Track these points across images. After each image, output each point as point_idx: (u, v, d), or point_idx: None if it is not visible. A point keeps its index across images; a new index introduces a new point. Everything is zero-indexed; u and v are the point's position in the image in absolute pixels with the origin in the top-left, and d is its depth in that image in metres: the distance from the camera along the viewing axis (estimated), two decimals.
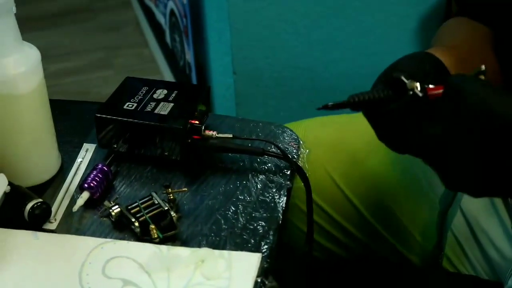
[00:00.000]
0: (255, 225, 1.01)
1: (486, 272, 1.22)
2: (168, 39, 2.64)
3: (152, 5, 2.84)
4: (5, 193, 0.97)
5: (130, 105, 1.11)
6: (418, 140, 0.88)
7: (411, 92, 0.89)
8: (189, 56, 2.28)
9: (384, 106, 0.92)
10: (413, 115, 0.89)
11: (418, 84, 0.89)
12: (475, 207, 1.24)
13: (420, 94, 0.88)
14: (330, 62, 2.13)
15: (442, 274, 1.26)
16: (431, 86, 0.88)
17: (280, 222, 1.02)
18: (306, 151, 1.15)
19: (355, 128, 1.32)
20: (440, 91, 0.86)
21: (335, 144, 1.30)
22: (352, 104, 0.93)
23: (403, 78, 0.90)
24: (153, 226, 0.96)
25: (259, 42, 2.08)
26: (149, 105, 1.11)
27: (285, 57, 2.12)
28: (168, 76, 2.79)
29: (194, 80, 2.29)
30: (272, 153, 1.10)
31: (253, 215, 1.02)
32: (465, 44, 1.15)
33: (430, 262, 1.27)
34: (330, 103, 0.92)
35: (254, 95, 2.10)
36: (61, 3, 3.23)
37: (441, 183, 0.97)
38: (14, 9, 0.99)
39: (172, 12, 2.46)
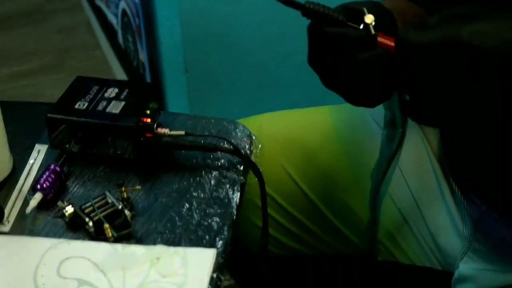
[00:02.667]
0: (210, 221, 1.01)
1: (440, 261, 1.26)
2: (120, 39, 2.65)
3: (103, 6, 2.84)
4: None
5: (81, 105, 1.11)
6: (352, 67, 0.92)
7: (362, 25, 0.91)
8: (143, 55, 2.29)
9: (335, 27, 0.92)
10: (351, 44, 0.92)
11: (373, 25, 0.91)
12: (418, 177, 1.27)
13: (373, 32, 0.90)
14: (282, 57, 2.16)
15: (399, 267, 1.29)
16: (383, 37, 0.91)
17: (234, 217, 1.03)
18: (259, 146, 1.16)
19: (307, 123, 1.33)
20: (392, 43, 0.89)
21: (288, 139, 1.30)
22: (306, 9, 0.93)
23: (364, 9, 0.91)
24: (107, 225, 0.96)
25: (211, 38, 2.09)
26: (100, 104, 1.11)
27: (237, 53, 2.14)
28: (122, 77, 2.81)
29: (148, 79, 2.31)
30: (224, 149, 1.10)
31: (207, 211, 1.03)
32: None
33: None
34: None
35: (207, 92, 2.11)
36: (11, 5, 3.19)
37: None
38: None
39: (124, 12, 2.47)
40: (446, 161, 1.24)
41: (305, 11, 0.92)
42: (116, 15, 2.63)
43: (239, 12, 2.11)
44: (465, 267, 1.18)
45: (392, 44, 0.88)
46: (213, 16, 2.10)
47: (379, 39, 0.89)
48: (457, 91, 0.88)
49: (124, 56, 2.64)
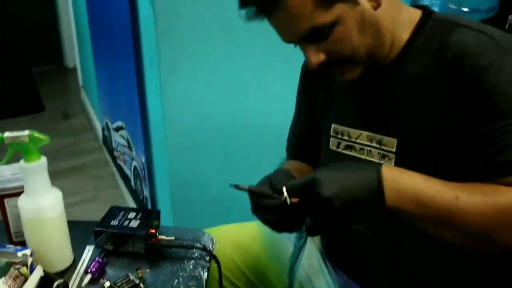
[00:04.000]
0: None
1: None
2: (132, 184, 2.65)
3: (122, 164, 2.84)
4: (41, 277, 0.98)
5: (114, 222, 1.14)
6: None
7: (284, 196, 0.90)
8: (147, 193, 2.30)
9: (265, 198, 0.93)
10: (281, 208, 0.91)
11: (287, 196, 0.90)
12: (310, 265, 1.24)
13: (289, 201, 0.90)
14: None
15: None
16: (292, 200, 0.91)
17: (205, 284, 1.05)
18: (217, 245, 1.18)
19: (244, 231, 1.31)
20: (296, 200, 0.90)
21: (233, 241, 1.29)
22: (249, 191, 0.95)
23: (284, 190, 0.90)
24: None
25: (195, 182, 2.05)
26: (125, 222, 1.14)
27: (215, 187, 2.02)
28: (133, 206, 2.77)
29: (149, 207, 2.28)
30: (198, 247, 1.13)
31: (188, 284, 1.05)
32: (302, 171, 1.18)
33: None
34: (233, 186, 0.96)
35: (187, 216, 2.05)
36: (64, 164, 3.20)
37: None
38: (46, 167, 1.03)
39: (135, 168, 2.47)
40: (324, 252, 1.25)
41: (251, 192, 0.95)
42: (130, 170, 2.64)
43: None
44: None
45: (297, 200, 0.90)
46: (197, 160, 2.04)
47: (292, 200, 0.90)
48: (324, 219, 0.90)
49: (134, 194, 2.64)
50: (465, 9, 1.78)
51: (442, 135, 0.94)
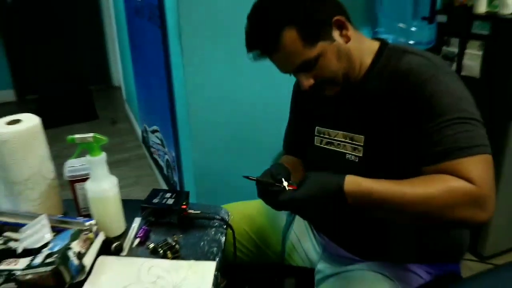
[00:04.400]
0: (212, 249, 1.04)
1: (310, 264, 1.24)
2: (165, 171, 2.63)
3: (157, 158, 2.83)
4: (103, 240, 1.00)
5: (155, 200, 1.14)
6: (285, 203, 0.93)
7: (284, 185, 0.94)
8: (176, 179, 2.29)
9: (270, 187, 0.95)
10: (281, 193, 0.93)
11: (286, 183, 0.94)
12: (299, 231, 1.26)
13: (287, 188, 0.93)
14: None
15: (292, 267, 1.28)
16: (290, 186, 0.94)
17: (223, 247, 1.05)
18: (231, 217, 1.18)
19: (252, 206, 1.33)
20: (295, 187, 0.92)
21: (243, 213, 1.30)
22: (257, 181, 0.97)
23: (283, 179, 0.94)
24: (168, 252, 1.00)
25: (213, 169, 1.99)
26: (164, 199, 1.13)
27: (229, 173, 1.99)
28: (167, 188, 2.75)
29: (178, 189, 2.28)
30: (217, 219, 1.14)
31: (211, 245, 1.05)
32: (294, 164, 1.20)
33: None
34: (245, 177, 0.98)
35: (206, 195, 2.01)
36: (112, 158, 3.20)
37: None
38: (105, 160, 1.05)
39: (167, 160, 2.46)
40: (310, 223, 1.27)
41: (257, 182, 0.97)
42: (163, 162, 2.63)
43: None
44: (320, 265, 1.19)
45: (295, 187, 0.92)
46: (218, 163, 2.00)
47: (288, 187, 0.93)
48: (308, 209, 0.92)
49: (167, 179, 2.63)
50: (411, 42, 1.78)
51: (397, 131, 0.96)
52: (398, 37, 1.68)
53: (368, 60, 1.03)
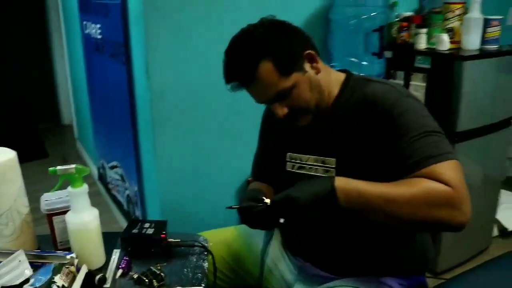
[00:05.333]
0: (196, 275, 1.03)
1: (286, 286, 1.23)
2: (125, 207, 2.56)
3: (116, 193, 2.76)
4: (86, 273, 0.97)
5: (135, 230, 1.12)
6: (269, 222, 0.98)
7: (266, 201, 0.97)
8: (138, 213, 2.24)
9: (252, 209, 0.98)
10: (264, 212, 0.97)
11: (268, 200, 0.97)
12: (275, 254, 1.25)
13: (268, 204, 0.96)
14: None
15: None
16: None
17: (206, 273, 1.06)
18: (210, 244, 1.18)
19: (227, 233, 1.33)
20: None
21: (220, 241, 1.28)
22: (239, 208, 1.00)
23: (264, 198, 0.98)
24: (154, 281, 0.98)
25: (180, 202, 1.98)
26: (143, 230, 1.12)
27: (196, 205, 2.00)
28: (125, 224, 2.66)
29: None
30: (198, 245, 1.14)
31: (195, 271, 1.05)
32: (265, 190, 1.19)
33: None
34: (228, 207, 1.02)
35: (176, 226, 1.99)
36: None
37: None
38: (87, 192, 1.04)
39: (128, 195, 2.41)
40: (284, 244, 1.26)
41: (240, 209, 1.01)
42: (123, 197, 2.56)
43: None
44: (296, 286, 1.19)
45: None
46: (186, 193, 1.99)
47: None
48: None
49: (127, 215, 2.53)
50: (362, 75, 1.89)
51: (365, 152, 1.01)
52: (351, 71, 1.77)
53: (335, 90, 1.08)
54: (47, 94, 5.06)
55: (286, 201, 0.93)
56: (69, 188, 1.01)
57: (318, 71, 1.04)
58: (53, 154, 4.31)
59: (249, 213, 0.99)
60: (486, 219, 2.41)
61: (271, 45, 0.98)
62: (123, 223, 2.67)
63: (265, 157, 1.29)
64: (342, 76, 1.11)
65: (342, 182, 0.93)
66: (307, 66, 1.03)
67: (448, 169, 0.90)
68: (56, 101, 5.14)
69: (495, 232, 2.55)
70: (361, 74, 1.14)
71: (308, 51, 1.02)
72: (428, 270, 2.00)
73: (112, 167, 2.69)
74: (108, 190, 2.98)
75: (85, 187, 1.02)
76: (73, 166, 1.00)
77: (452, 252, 2.24)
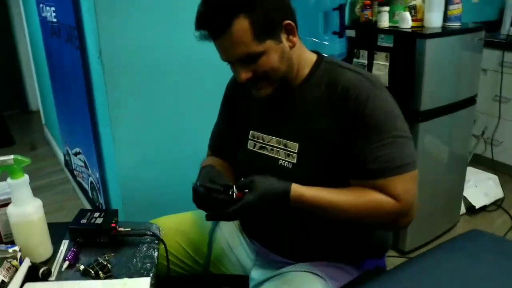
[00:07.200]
0: (145, 266, 1.03)
1: (244, 271, 1.24)
2: (90, 194, 2.54)
3: (81, 180, 2.72)
4: (28, 266, 0.96)
5: (83, 221, 1.11)
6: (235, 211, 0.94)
7: (233, 192, 0.94)
8: (102, 201, 2.21)
9: (217, 194, 0.95)
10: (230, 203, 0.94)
11: (236, 191, 0.95)
12: (230, 237, 1.26)
13: (235, 196, 0.94)
14: None
15: (225, 276, 1.27)
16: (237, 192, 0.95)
17: (156, 262, 1.04)
18: (162, 232, 1.19)
19: (182, 219, 1.31)
20: (240, 194, 0.94)
21: (174, 226, 1.27)
22: (207, 188, 0.96)
23: (234, 187, 0.95)
24: (100, 272, 0.98)
25: (140, 187, 1.96)
26: (92, 219, 1.11)
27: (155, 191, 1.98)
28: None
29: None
30: (149, 234, 1.13)
31: (144, 261, 1.04)
32: (222, 166, 1.20)
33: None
34: (195, 186, 0.98)
35: (138, 213, 1.95)
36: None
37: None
38: (28, 182, 1.01)
39: (91, 182, 2.37)
40: (242, 228, 1.27)
41: (206, 190, 0.96)
42: (87, 184, 2.53)
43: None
44: (253, 272, 1.20)
45: (241, 194, 0.94)
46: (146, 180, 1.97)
47: (236, 194, 0.94)
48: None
49: (92, 202, 2.52)
50: (325, 55, 1.85)
51: (330, 142, 1.00)
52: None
53: (306, 70, 1.05)
54: (13, 80, 4.97)
55: (242, 212, 0.94)
56: (9, 180, 0.99)
57: (293, 45, 1.00)
58: (20, 141, 4.23)
59: (209, 199, 0.96)
60: (453, 197, 2.46)
61: (253, 2, 0.92)
62: None
63: (225, 130, 1.26)
64: (314, 57, 1.08)
65: (295, 194, 0.95)
66: (283, 36, 0.98)
67: (403, 183, 0.95)
68: (22, 87, 5.05)
69: (463, 209, 2.60)
70: (332, 57, 1.10)
71: (288, 21, 0.98)
72: (396, 249, 2.07)
73: (76, 154, 2.65)
74: (75, 177, 2.95)
75: (25, 178, 1.00)
76: (11, 156, 0.97)
77: (420, 230, 2.28)
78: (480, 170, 2.86)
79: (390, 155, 0.95)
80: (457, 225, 2.51)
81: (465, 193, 2.56)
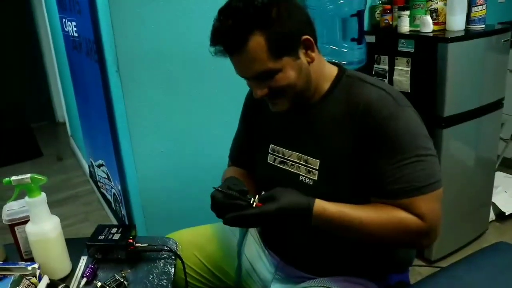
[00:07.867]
0: (162, 282, 1.02)
1: (264, 286, 1.23)
2: (113, 206, 2.56)
3: (105, 192, 2.75)
4: (47, 284, 0.97)
5: (101, 237, 1.12)
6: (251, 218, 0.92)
7: (253, 200, 0.93)
8: (124, 212, 2.24)
9: (235, 200, 0.93)
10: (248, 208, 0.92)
11: (256, 199, 0.93)
12: (251, 253, 1.25)
13: (254, 204, 0.92)
14: None
15: None
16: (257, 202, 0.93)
17: (172, 278, 1.05)
18: (180, 247, 1.18)
19: (200, 232, 1.30)
20: (260, 204, 0.92)
21: (192, 240, 1.27)
22: (225, 194, 0.93)
23: (253, 197, 0.93)
24: None
25: (160, 200, 1.98)
26: (109, 235, 1.12)
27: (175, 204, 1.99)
28: (115, 223, 2.66)
29: (127, 222, 2.21)
30: (166, 249, 1.12)
31: (160, 278, 1.04)
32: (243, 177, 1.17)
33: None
34: (216, 189, 0.95)
35: (158, 225, 1.99)
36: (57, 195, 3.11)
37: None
38: (45, 201, 1.02)
39: (114, 194, 2.40)
40: (262, 241, 1.25)
41: (225, 195, 0.94)
42: (110, 196, 2.55)
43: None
44: (273, 287, 1.19)
45: (260, 204, 0.92)
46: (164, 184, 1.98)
47: (256, 204, 0.92)
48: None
49: (116, 214, 2.56)
50: (344, 62, 1.81)
51: (351, 160, 0.97)
52: (331, 59, 1.74)
53: (325, 85, 1.03)
54: (40, 92, 5.10)
55: (260, 219, 0.92)
56: (26, 198, 1.00)
57: (311, 61, 0.98)
58: (48, 152, 4.33)
59: (228, 204, 0.93)
60: (481, 203, 2.37)
61: (269, 18, 0.89)
62: (114, 221, 2.67)
63: (244, 141, 1.24)
64: (334, 71, 1.05)
65: (318, 210, 0.93)
66: (301, 52, 0.96)
67: (427, 203, 0.93)
68: (50, 99, 5.18)
69: (492, 216, 2.52)
70: (353, 70, 1.08)
71: (306, 37, 0.95)
72: (422, 258, 2.02)
73: (99, 166, 2.68)
74: (99, 188, 2.99)
75: (42, 196, 1.01)
76: (28, 175, 0.99)
77: (447, 239, 2.22)
78: (509, 175, 2.77)
79: (414, 174, 0.92)
80: (486, 233, 2.42)
81: (494, 199, 2.47)
